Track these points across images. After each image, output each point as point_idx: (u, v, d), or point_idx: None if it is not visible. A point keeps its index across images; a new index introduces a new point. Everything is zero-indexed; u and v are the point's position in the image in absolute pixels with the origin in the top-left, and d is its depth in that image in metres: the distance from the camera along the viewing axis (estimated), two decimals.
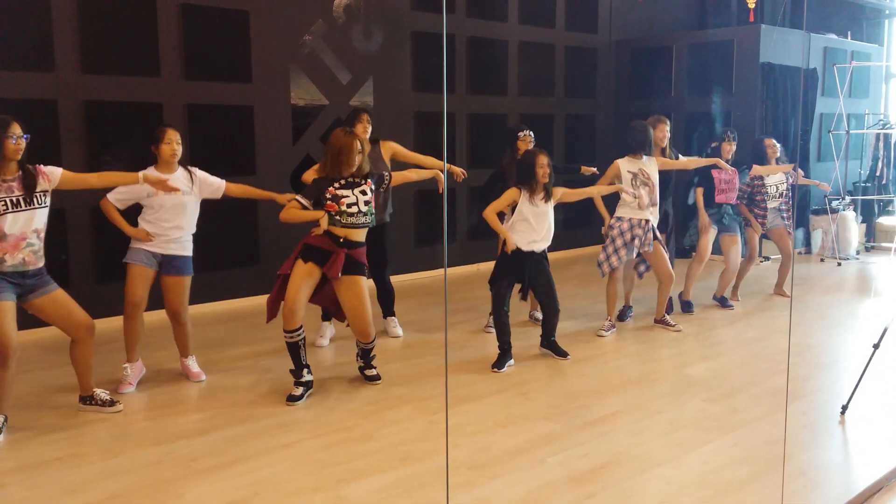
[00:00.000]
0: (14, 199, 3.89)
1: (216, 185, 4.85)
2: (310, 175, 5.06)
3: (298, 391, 4.49)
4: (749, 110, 8.77)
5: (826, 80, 9.75)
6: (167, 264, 4.70)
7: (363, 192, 4.53)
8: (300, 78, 7.30)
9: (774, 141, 6.94)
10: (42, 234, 4.02)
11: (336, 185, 4.51)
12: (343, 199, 4.48)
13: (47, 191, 4.04)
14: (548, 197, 5.20)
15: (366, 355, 4.86)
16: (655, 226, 5.87)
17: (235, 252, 6.97)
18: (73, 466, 3.63)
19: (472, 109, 8.63)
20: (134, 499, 3.32)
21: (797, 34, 9.49)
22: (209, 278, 6.83)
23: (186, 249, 4.76)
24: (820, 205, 9.52)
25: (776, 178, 6.90)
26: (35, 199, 3.96)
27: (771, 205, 6.91)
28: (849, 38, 10.54)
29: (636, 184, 5.78)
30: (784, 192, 6.95)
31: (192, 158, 6.58)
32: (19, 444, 3.89)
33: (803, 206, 9.36)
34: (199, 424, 4.15)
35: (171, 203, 4.62)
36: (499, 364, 5.08)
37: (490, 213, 5.20)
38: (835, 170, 9.68)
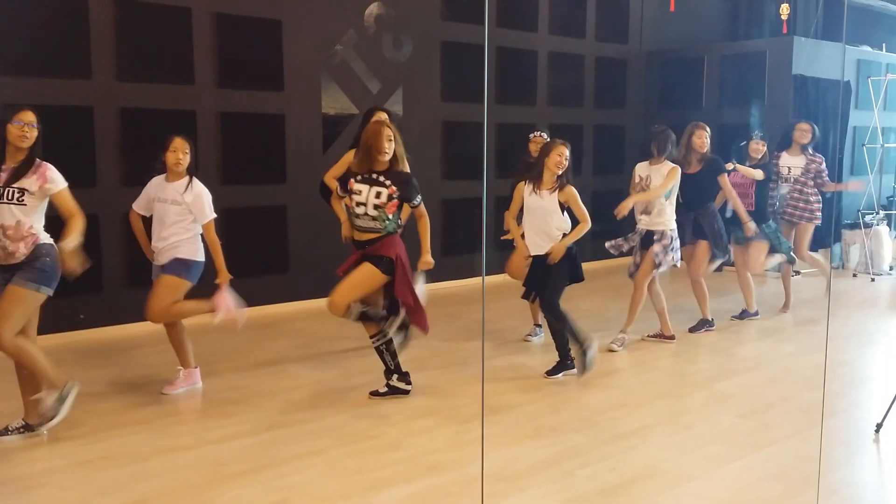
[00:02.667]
0: None
1: (201, 215, 4.62)
2: (336, 170, 5.07)
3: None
4: (781, 122, 8.67)
5: (860, 93, 9.63)
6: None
7: (377, 195, 4.31)
8: (331, 87, 7.36)
9: (808, 125, 6.74)
10: (10, 232, 3.77)
11: (359, 177, 4.38)
12: (355, 196, 4.35)
13: (29, 191, 3.80)
14: (554, 189, 4.95)
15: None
16: (664, 233, 5.66)
17: (265, 259, 7.02)
18: (105, 469, 3.67)
19: (500, 119, 8.63)
20: (164, 502, 3.35)
21: (830, 46, 9.39)
22: (238, 285, 6.86)
23: (181, 252, 4.60)
24: (853, 219, 9.39)
25: (792, 160, 6.73)
26: (5, 194, 3.76)
27: (782, 190, 6.73)
28: (884, 50, 10.41)
29: (636, 190, 5.75)
30: (797, 179, 6.72)
31: (224, 166, 6.69)
32: (54, 446, 3.95)
33: (837, 221, 9.23)
34: (228, 430, 4.17)
35: (159, 214, 4.63)
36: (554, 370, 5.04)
37: (508, 217, 5.18)
38: (868, 184, 9.54)
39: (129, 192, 6.15)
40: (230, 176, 6.75)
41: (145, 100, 6.29)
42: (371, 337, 4.62)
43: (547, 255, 4.98)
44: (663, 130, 5.76)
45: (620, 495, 3.42)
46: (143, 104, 6.26)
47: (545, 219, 4.96)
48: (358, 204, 4.34)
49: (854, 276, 9.01)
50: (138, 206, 4.73)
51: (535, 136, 5.91)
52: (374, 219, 4.34)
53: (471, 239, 8.26)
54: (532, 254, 5.05)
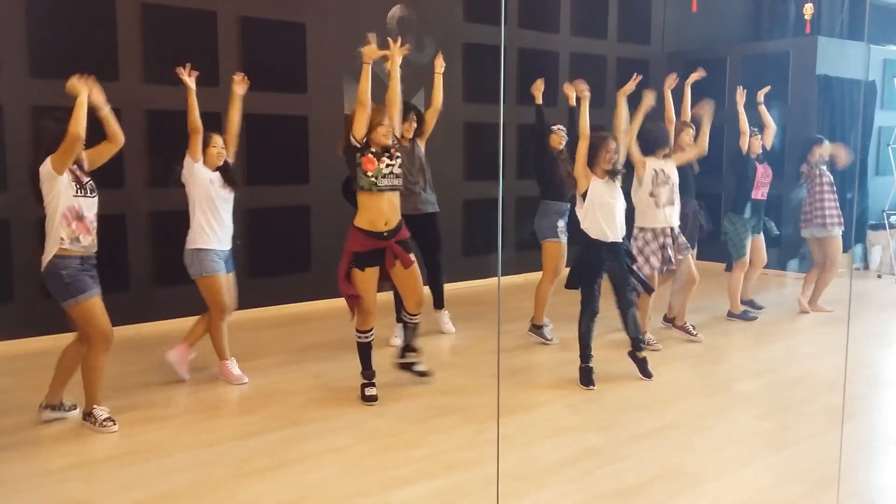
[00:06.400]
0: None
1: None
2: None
3: (374, 391, 4.63)
4: (805, 123, 8.61)
5: (885, 93, 9.53)
6: None
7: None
8: (353, 89, 7.37)
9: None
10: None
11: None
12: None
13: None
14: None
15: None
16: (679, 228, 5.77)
17: (287, 258, 7.10)
18: (130, 464, 3.75)
19: (522, 120, 8.63)
20: (188, 497, 3.41)
21: (855, 46, 9.30)
22: (261, 283, 6.97)
23: (190, 242, 4.89)
24: (878, 220, 9.30)
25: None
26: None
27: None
28: None
29: (657, 182, 5.75)
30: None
31: (248, 166, 6.78)
32: (79, 441, 4.03)
33: (862, 221, 9.15)
34: (250, 427, 4.24)
35: (223, 202, 4.95)
36: (585, 380, 4.92)
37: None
38: (893, 184, 9.44)
39: (155, 193, 6.30)
40: (254, 176, 6.83)
41: (171, 102, 6.36)
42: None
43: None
44: (658, 126, 6.00)
45: (639, 496, 3.44)
46: (168, 106, 6.35)
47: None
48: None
49: (878, 276, 8.92)
50: None
51: (556, 130, 6.03)
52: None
53: (491, 239, 8.29)
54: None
